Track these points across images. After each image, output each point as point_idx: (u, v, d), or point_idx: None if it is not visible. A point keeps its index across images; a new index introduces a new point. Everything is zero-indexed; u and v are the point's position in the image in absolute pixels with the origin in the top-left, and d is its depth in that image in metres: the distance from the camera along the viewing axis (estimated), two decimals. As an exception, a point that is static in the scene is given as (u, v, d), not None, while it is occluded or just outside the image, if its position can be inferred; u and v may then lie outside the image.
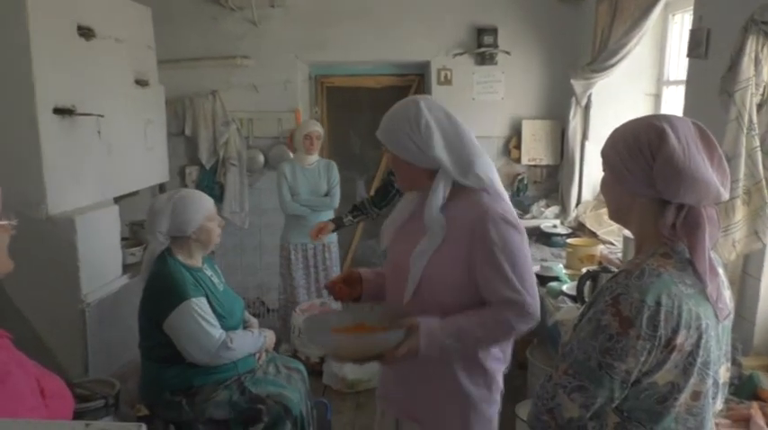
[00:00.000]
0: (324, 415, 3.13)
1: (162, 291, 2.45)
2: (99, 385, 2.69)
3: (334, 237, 4.31)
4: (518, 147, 4.77)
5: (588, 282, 2.53)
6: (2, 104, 2.65)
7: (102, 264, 3.04)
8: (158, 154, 3.84)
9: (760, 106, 2.18)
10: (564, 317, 2.69)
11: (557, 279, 3.11)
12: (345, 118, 5.37)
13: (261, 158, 4.93)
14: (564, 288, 2.96)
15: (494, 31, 4.63)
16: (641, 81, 4.01)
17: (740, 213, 2.19)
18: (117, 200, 3.37)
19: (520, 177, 4.80)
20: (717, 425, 1.64)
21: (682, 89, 3.06)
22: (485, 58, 4.69)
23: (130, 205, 3.67)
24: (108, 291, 3.05)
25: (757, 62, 2.15)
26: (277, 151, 4.90)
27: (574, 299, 2.79)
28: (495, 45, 4.64)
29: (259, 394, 2.53)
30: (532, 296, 1.62)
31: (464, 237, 1.61)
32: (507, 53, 4.65)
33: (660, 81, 3.95)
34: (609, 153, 1.28)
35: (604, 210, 3.73)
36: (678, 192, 1.17)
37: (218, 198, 4.83)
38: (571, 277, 3.09)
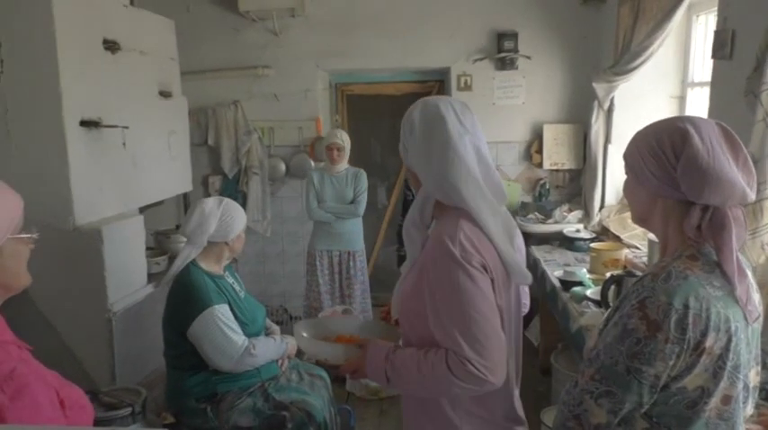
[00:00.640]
0: (347, 421, 3.13)
1: (185, 299, 2.48)
2: (126, 393, 2.71)
3: (361, 245, 4.32)
4: (540, 151, 4.74)
5: (612, 287, 2.49)
6: (30, 117, 2.71)
7: (128, 274, 3.08)
8: (182, 164, 3.89)
9: (787, 106, 2.14)
10: (588, 322, 2.66)
11: (580, 284, 3.08)
12: (366, 125, 5.39)
13: (282, 167, 4.97)
14: (588, 293, 2.92)
15: (514, 36, 4.62)
16: (665, 83, 3.96)
17: (769, 215, 2.14)
18: (141, 210, 3.42)
19: (542, 182, 4.77)
20: (748, 430, 1.61)
21: (706, 91, 3.02)
22: (505, 63, 4.68)
23: (155, 215, 3.72)
24: (134, 301, 3.08)
25: (783, 62, 2.11)
26: (298, 160, 4.93)
27: (598, 304, 2.75)
28: (516, 50, 4.63)
29: (283, 401, 2.54)
30: (480, 354, 1.34)
31: (422, 265, 1.46)
32: (528, 57, 4.64)
33: (684, 83, 3.89)
34: (631, 156, 1.27)
35: (628, 214, 3.67)
36: (703, 192, 1.16)
37: (241, 206, 4.87)
38: (595, 282, 3.05)
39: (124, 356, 2.98)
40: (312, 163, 4.87)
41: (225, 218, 2.59)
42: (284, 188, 5.06)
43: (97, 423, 2.19)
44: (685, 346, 1.12)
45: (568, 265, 3.54)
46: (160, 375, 2.84)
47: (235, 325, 2.48)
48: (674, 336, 1.12)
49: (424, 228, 1.54)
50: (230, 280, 2.68)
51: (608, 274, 2.70)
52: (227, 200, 2.72)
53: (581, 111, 4.56)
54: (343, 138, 4.22)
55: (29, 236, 1.34)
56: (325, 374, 2.90)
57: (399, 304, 1.57)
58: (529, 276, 1.52)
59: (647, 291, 1.15)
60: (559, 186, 4.84)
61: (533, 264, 3.89)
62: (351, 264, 4.27)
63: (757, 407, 1.64)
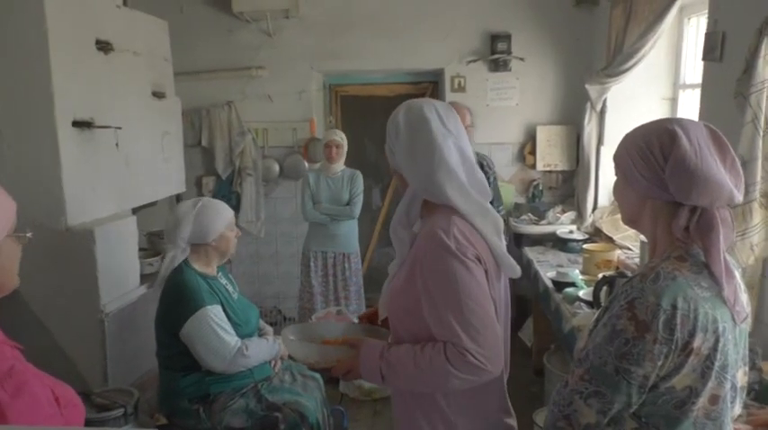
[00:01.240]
0: (340, 423, 3.13)
1: (178, 300, 2.47)
2: (118, 394, 2.71)
3: (356, 247, 4.33)
4: (533, 152, 4.76)
5: (605, 288, 2.51)
6: (22, 117, 2.70)
7: (121, 275, 3.08)
8: (175, 165, 3.88)
9: (776, 108, 2.16)
10: (580, 322, 2.67)
11: (573, 285, 3.09)
12: (360, 126, 5.39)
13: (276, 168, 4.97)
14: (580, 293, 2.93)
15: (507, 38, 4.63)
16: (657, 85, 3.99)
17: (758, 216, 2.16)
18: (135, 210, 3.41)
19: (535, 183, 4.79)
20: (737, 430, 1.62)
21: (698, 92, 3.04)
22: (498, 65, 4.69)
23: (148, 216, 3.71)
24: (126, 301, 3.08)
25: (772, 64, 2.13)
26: (292, 160, 4.93)
27: (590, 304, 2.76)
28: (509, 51, 4.64)
29: (275, 402, 2.54)
30: (478, 343, 1.37)
31: (413, 261, 1.48)
32: (521, 59, 4.66)
33: (676, 85, 3.92)
34: (621, 157, 1.28)
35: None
36: (691, 193, 1.17)
37: (235, 207, 4.86)
38: (587, 283, 3.06)
39: (117, 357, 2.97)
40: (306, 164, 4.87)
41: (200, 219, 2.56)
42: (278, 189, 5.06)
43: (89, 424, 2.19)
44: (673, 347, 1.13)
45: (561, 266, 3.56)
46: (153, 376, 2.83)
47: (227, 325, 2.48)
48: (662, 337, 1.13)
49: (411, 227, 1.57)
50: (223, 281, 2.68)
51: (600, 275, 2.71)
52: (205, 200, 2.68)
53: (574, 112, 4.58)
54: (342, 137, 4.24)
55: (24, 235, 1.34)
56: (318, 375, 2.90)
57: (389, 302, 1.58)
58: (518, 269, 1.56)
59: (636, 291, 1.16)
60: (552, 187, 4.85)
61: (526, 265, 3.90)
62: (345, 265, 4.27)
63: (746, 406, 1.66)
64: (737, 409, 1.28)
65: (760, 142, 2.13)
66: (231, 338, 2.46)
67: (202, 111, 4.86)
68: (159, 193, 3.71)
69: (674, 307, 1.13)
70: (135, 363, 3.09)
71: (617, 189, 1.34)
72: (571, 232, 4.14)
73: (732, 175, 1.18)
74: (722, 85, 2.45)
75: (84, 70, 2.89)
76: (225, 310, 2.52)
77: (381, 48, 4.74)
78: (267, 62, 4.83)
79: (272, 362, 2.69)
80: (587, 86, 4.09)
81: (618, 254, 3.38)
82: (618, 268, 3.18)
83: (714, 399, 1.19)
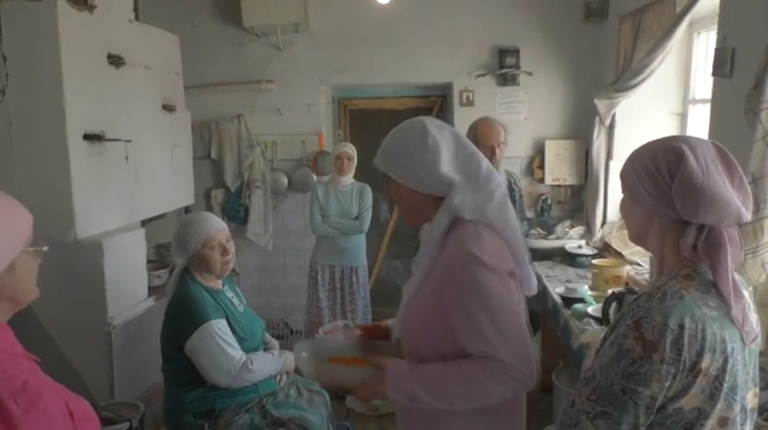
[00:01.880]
0: (347, 438, 3.11)
1: (182, 314, 2.47)
2: (124, 408, 2.71)
3: (364, 261, 4.32)
4: (541, 167, 4.74)
5: (614, 304, 2.49)
6: (34, 131, 2.73)
7: (129, 287, 3.09)
8: (184, 177, 3.91)
9: (787, 125, 2.14)
10: (589, 339, 2.64)
11: (582, 300, 3.07)
12: (368, 140, 5.37)
13: (285, 181, 4.98)
14: (589, 310, 2.91)
15: (516, 52, 4.64)
16: (667, 100, 3.97)
17: (769, 234, 2.13)
18: (143, 223, 3.42)
19: (544, 197, 4.77)
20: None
21: (708, 108, 3.02)
22: (507, 79, 4.70)
23: (157, 228, 3.72)
24: (134, 314, 3.09)
25: (783, 80, 2.11)
26: (301, 174, 4.94)
27: (599, 321, 2.74)
28: (518, 66, 4.65)
29: (281, 417, 2.53)
30: (516, 355, 1.37)
31: (443, 277, 1.45)
32: (529, 74, 4.66)
33: (686, 100, 3.90)
34: (627, 174, 1.27)
35: (630, 231, 3.67)
36: (698, 212, 1.16)
37: (243, 220, 4.90)
38: (597, 299, 3.03)
39: (123, 370, 2.97)
40: (314, 177, 4.88)
41: (180, 232, 2.56)
42: (286, 202, 5.06)
43: (94, 437, 2.18)
44: (681, 367, 1.12)
45: (570, 282, 3.53)
46: (159, 390, 2.83)
47: (232, 340, 2.47)
48: (669, 357, 1.11)
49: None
50: (229, 294, 2.68)
51: (609, 291, 2.69)
52: (185, 217, 2.72)
53: (582, 126, 4.57)
54: (353, 149, 4.25)
55: (40, 249, 1.34)
56: (324, 390, 2.88)
57: (407, 320, 1.54)
58: (535, 286, 1.57)
59: (643, 310, 1.15)
60: (561, 202, 4.83)
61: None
62: (353, 279, 4.27)
63: (759, 428, 1.63)
64: (748, 432, 1.26)
65: (770, 159, 2.11)
66: (236, 353, 2.45)
67: (212, 123, 4.88)
68: (168, 206, 3.73)
69: (682, 327, 1.11)
70: (141, 376, 3.09)
71: (624, 206, 1.33)
72: (580, 247, 4.11)
73: (740, 194, 1.17)
74: (732, 100, 2.44)
75: (96, 84, 2.92)
76: (230, 324, 2.51)
77: (390, 62, 4.76)
78: (276, 76, 4.86)
79: (278, 377, 2.68)
80: (596, 101, 4.08)
81: (627, 269, 3.35)
82: (627, 284, 3.15)
83: (723, 421, 1.17)
